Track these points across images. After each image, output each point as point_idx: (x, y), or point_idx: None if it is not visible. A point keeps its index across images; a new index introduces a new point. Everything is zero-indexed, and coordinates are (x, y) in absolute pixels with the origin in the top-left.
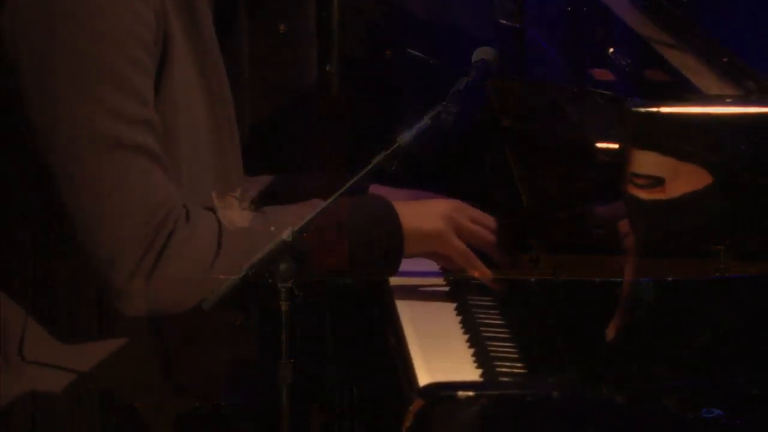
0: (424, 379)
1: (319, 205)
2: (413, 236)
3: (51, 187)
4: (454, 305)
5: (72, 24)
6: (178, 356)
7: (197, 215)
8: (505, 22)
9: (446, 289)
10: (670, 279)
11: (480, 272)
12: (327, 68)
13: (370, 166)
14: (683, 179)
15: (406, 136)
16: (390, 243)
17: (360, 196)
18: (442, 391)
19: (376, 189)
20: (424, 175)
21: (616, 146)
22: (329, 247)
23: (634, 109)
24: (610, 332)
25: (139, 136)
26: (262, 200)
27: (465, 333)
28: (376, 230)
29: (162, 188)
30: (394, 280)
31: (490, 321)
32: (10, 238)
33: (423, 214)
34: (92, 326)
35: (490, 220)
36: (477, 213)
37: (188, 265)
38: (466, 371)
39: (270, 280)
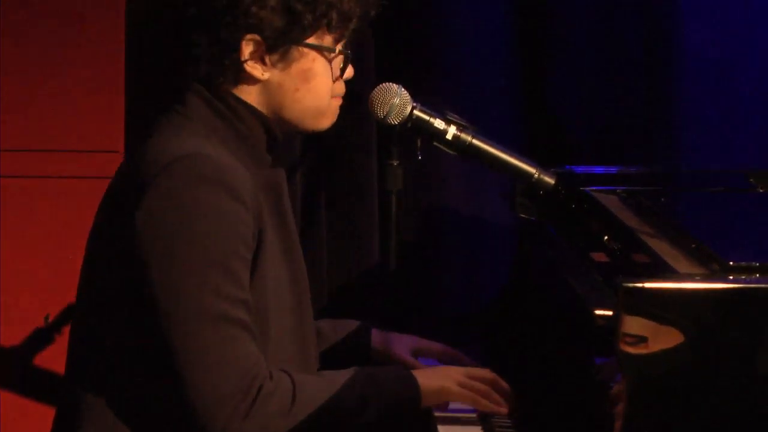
0: None
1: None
2: (427, 394)
3: (166, 350)
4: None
5: (193, 225)
6: None
7: (278, 375)
8: (523, 215)
9: (475, 417)
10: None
11: (487, 408)
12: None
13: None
14: (662, 338)
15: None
16: (411, 399)
17: (386, 367)
18: None
19: (378, 333)
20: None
21: (611, 313)
22: (367, 402)
23: (624, 284)
24: None
25: (237, 312)
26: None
27: None
28: (400, 391)
29: (253, 354)
30: (437, 411)
31: None
32: (131, 384)
33: (433, 375)
34: None
35: (484, 372)
36: (472, 370)
37: (272, 412)
38: None
39: None
